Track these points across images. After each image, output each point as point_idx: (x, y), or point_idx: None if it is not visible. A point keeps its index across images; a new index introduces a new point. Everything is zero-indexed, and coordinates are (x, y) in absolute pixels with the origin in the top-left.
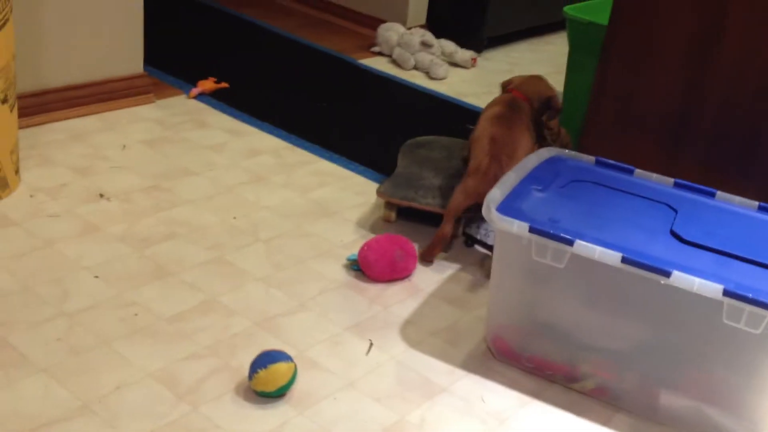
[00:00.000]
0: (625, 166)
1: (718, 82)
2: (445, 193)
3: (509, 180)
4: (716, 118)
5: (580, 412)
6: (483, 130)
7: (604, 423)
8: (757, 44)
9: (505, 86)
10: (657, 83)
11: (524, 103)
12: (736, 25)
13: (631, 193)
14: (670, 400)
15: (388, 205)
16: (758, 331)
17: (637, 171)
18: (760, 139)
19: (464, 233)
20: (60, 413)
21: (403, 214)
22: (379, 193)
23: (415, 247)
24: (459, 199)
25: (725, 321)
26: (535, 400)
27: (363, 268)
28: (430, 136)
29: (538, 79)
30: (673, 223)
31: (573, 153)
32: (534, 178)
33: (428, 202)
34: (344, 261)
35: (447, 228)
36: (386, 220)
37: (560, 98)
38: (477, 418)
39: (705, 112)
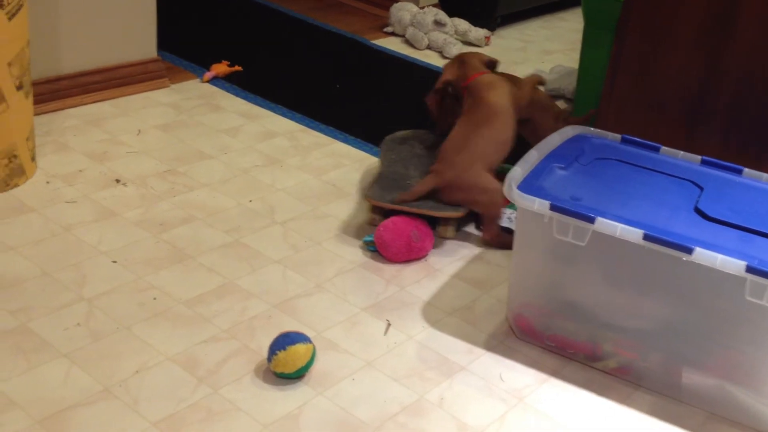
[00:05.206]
0: (652, 143)
1: (737, 57)
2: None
3: (531, 158)
4: (735, 93)
5: (600, 391)
6: None
7: (624, 401)
8: None
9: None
10: (675, 59)
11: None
12: None
13: (657, 171)
14: (693, 378)
15: (374, 208)
16: None
17: (664, 149)
18: None
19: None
20: (82, 397)
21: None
22: (367, 198)
23: (431, 228)
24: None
25: (748, 298)
26: (555, 378)
27: (379, 248)
28: (409, 130)
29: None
30: (698, 201)
31: (599, 131)
32: (557, 155)
33: (419, 205)
34: (360, 242)
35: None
36: (372, 225)
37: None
38: (496, 396)
39: (723, 88)
